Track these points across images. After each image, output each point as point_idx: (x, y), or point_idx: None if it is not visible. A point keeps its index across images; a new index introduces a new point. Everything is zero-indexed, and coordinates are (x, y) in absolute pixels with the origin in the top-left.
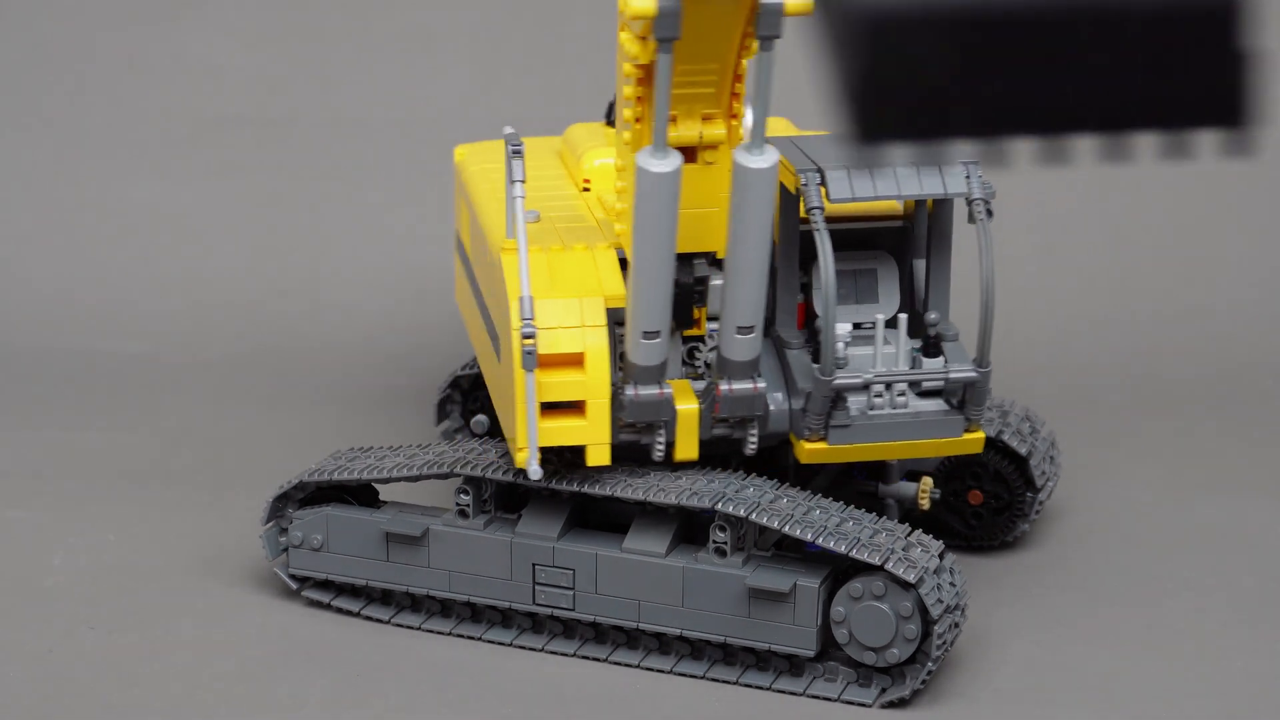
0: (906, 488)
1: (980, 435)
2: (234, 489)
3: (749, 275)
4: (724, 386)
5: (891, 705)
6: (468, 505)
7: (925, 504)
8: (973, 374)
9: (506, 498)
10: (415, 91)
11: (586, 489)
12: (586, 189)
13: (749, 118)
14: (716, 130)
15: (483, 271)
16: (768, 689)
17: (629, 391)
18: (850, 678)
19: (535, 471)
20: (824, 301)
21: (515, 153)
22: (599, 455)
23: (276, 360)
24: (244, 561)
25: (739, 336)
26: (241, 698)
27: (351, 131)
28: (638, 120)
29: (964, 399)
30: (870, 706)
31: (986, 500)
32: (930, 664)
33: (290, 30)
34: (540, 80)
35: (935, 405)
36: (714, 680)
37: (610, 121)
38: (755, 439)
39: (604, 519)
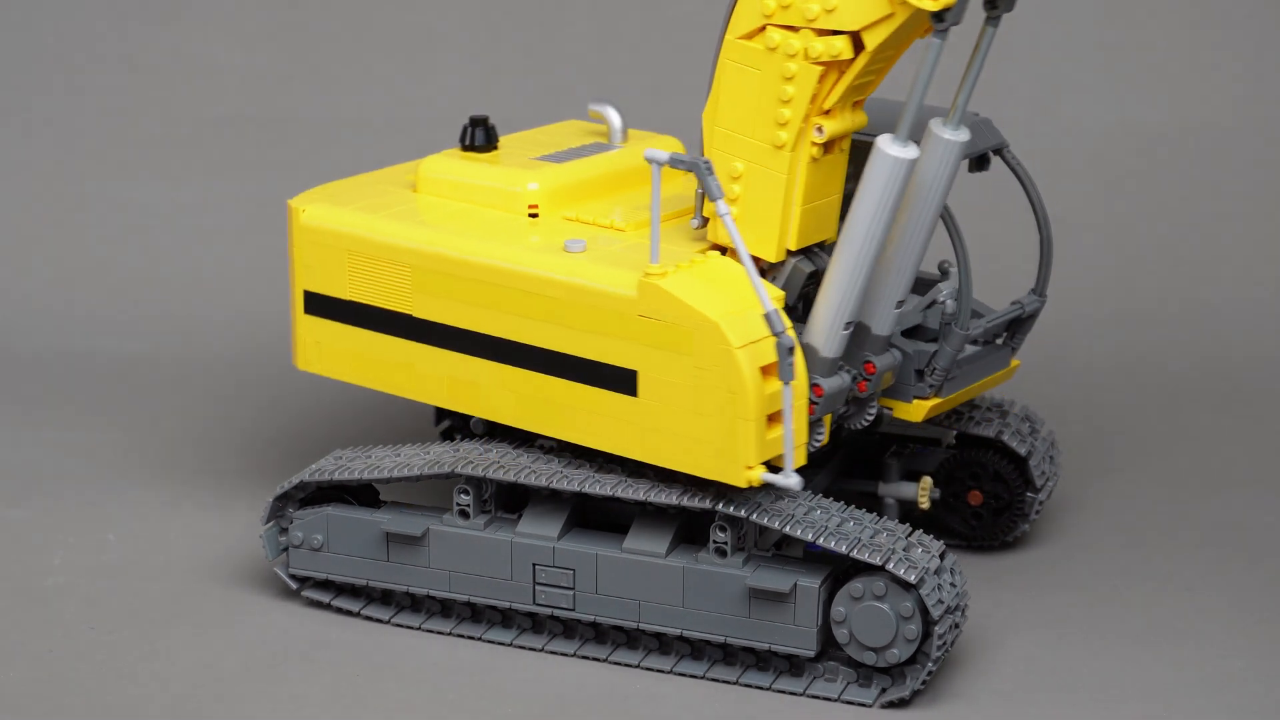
0: (906, 488)
1: (1017, 362)
2: (234, 489)
3: (916, 250)
4: (876, 362)
5: (891, 705)
6: (468, 505)
7: (925, 504)
8: (1039, 304)
9: (506, 498)
10: (415, 91)
11: (587, 489)
12: (534, 214)
13: (614, 118)
14: (860, 119)
15: (541, 312)
16: (768, 689)
17: (823, 385)
18: (850, 678)
19: (799, 481)
20: (962, 261)
21: (709, 170)
22: (799, 457)
23: (276, 360)
24: (244, 561)
25: (895, 311)
26: (241, 698)
27: (351, 131)
28: (805, 119)
29: (1013, 331)
30: (870, 706)
31: (986, 500)
32: (930, 664)
33: (290, 30)
34: (540, 80)
35: (973, 345)
36: (714, 680)
37: (468, 146)
38: (874, 411)
39: (604, 519)
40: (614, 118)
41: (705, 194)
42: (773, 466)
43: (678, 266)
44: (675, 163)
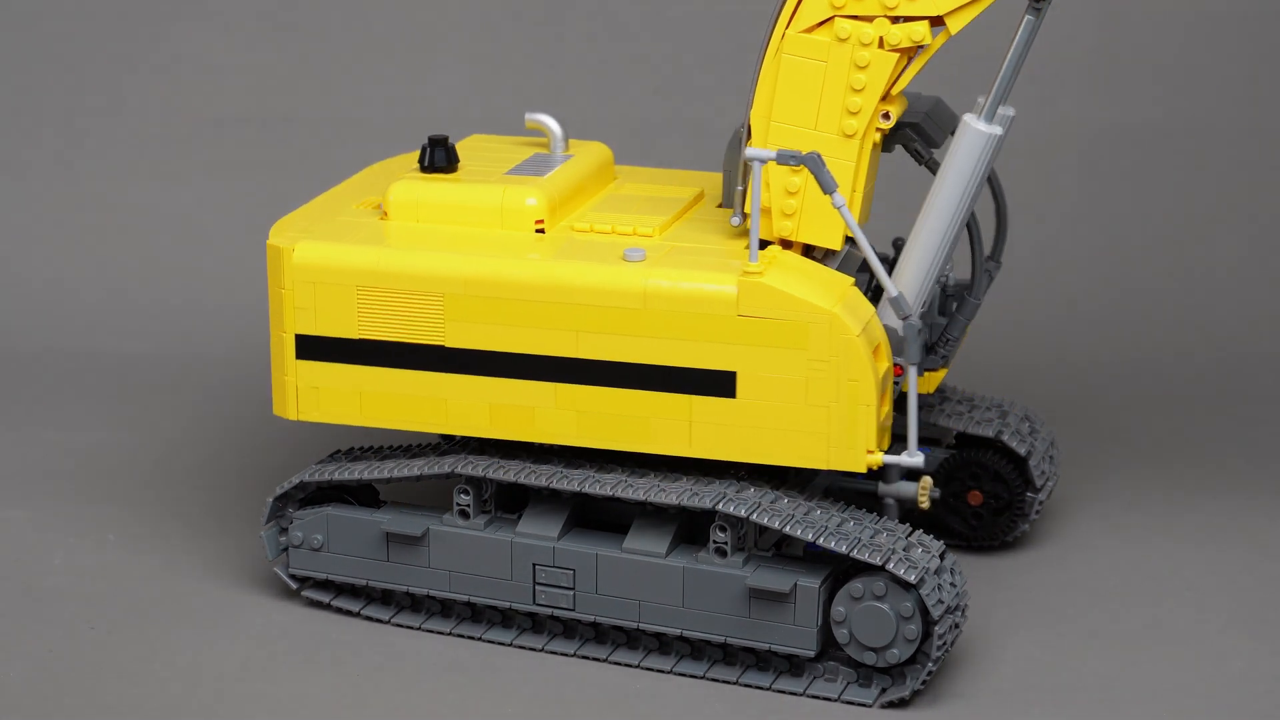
0: (906, 487)
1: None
2: (234, 489)
3: (960, 225)
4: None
5: (891, 705)
6: (468, 505)
7: (925, 504)
8: (997, 270)
9: (506, 498)
10: (415, 91)
11: (587, 489)
12: (541, 230)
13: (555, 127)
14: (904, 102)
15: (615, 325)
16: (768, 689)
17: (901, 363)
18: (850, 678)
19: (922, 458)
20: (974, 232)
21: (821, 162)
22: (887, 439)
23: None
24: (244, 561)
25: (933, 286)
26: (241, 698)
27: (351, 131)
28: (875, 107)
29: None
30: (870, 706)
31: (986, 500)
32: (930, 664)
33: (290, 30)
34: (540, 80)
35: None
36: (714, 680)
37: (430, 167)
38: (899, 387)
39: (604, 519)
40: (555, 127)
41: (821, 186)
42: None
43: (767, 263)
44: (783, 159)
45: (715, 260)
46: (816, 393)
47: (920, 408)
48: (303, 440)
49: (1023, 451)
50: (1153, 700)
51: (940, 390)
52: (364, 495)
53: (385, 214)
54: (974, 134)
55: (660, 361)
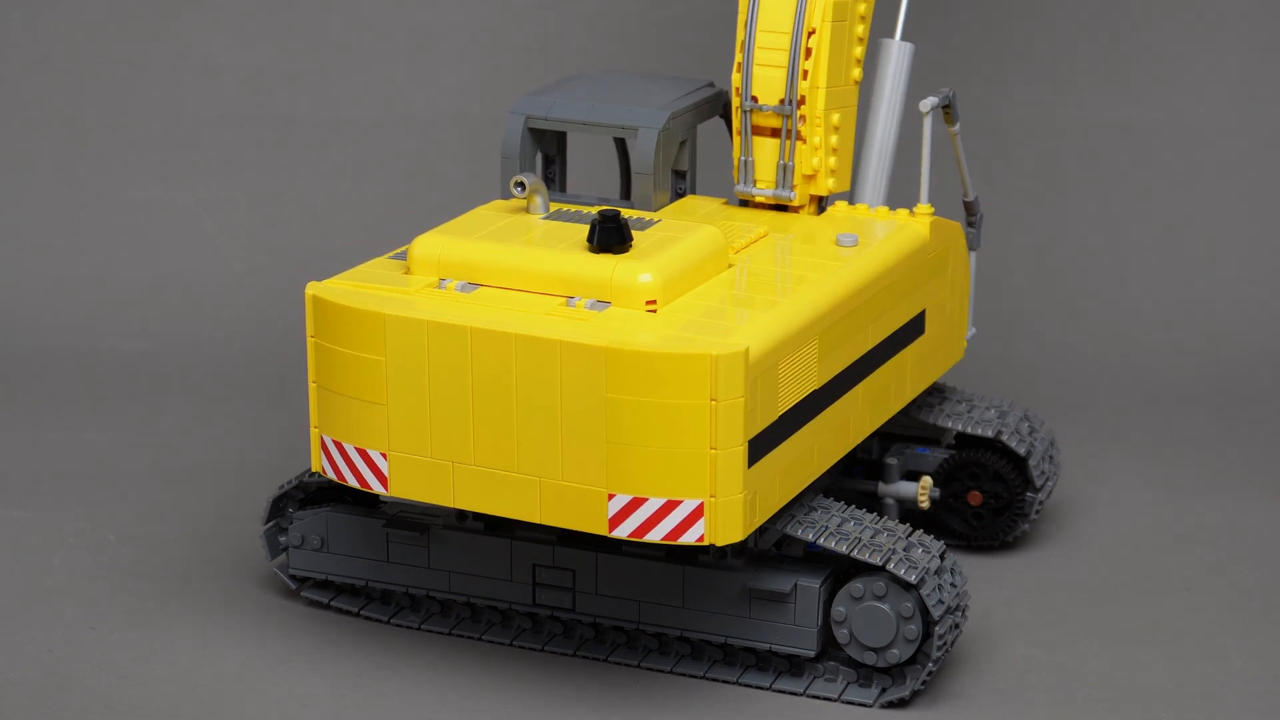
0: (906, 487)
1: None
2: (234, 489)
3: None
4: None
5: (891, 705)
6: None
7: (925, 504)
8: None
9: None
10: (415, 91)
11: None
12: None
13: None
14: None
15: (878, 306)
16: (768, 689)
17: None
18: (850, 678)
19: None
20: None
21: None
22: None
23: (276, 360)
24: (244, 561)
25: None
26: (241, 698)
27: (351, 131)
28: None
29: None
30: (870, 706)
31: (986, 500)
32: (931, 664)
33: (290, 29)
34: (540, 80)
35: None
36: (714, 680)
37: (610, 247)
38: None
39: None
40: (541, 196)
41: (954, 116)
42: None
43: (887, 211)
44: (942, 99)
45: (854, 224)
46: (954, 299)
47: (919, 407)
48: (303, 440)
49: (1023, 451)
50: (1153, 700)
51: (940, 390)
52: (363, 495)
53: (655, 305)
54: (900, 48)
55: (900, 323)
